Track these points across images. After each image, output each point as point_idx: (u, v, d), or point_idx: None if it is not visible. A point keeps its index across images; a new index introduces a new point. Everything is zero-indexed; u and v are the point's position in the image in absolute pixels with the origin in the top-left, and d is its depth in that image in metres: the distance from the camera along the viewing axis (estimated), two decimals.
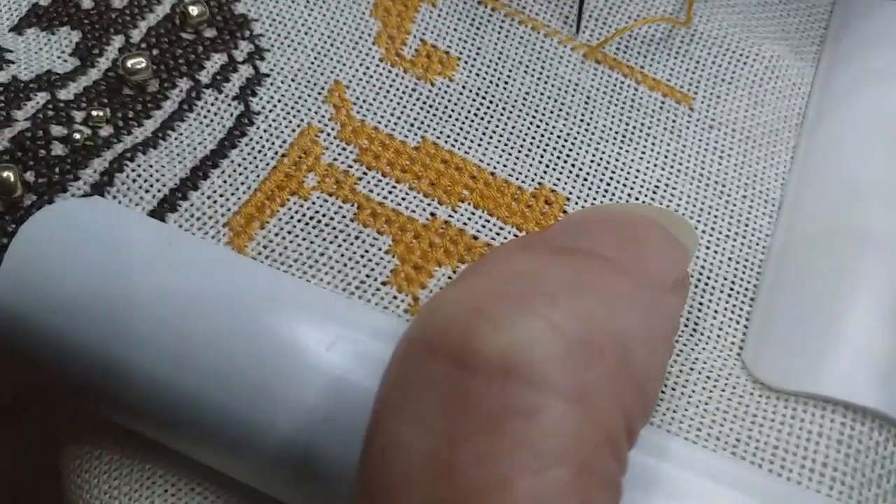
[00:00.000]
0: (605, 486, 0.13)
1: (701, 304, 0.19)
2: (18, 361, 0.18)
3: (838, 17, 0.23)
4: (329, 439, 0.16)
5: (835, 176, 0.20)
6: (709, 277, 0.19)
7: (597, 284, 0.14)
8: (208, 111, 0.20)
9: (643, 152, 0.20)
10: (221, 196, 0.19)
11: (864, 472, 0.17)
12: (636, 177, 0.20)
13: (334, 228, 0.19)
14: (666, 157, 0.21)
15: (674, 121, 0.21)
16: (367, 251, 0.18)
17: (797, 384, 0.18)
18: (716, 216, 0.20)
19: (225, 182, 0.19)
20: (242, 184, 0.19)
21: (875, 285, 0.19)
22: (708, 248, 0.20)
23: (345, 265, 0.18)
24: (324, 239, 0.18)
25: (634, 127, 0.21)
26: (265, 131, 0.19)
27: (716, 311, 0.19)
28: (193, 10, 0.20)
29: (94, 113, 0.19)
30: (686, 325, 0.19)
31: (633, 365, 0.14)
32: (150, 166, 0.19)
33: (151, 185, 0.18)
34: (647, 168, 0.20)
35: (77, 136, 0.19)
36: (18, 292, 0.17)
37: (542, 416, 0.12)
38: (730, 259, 0.20)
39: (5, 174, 0.17)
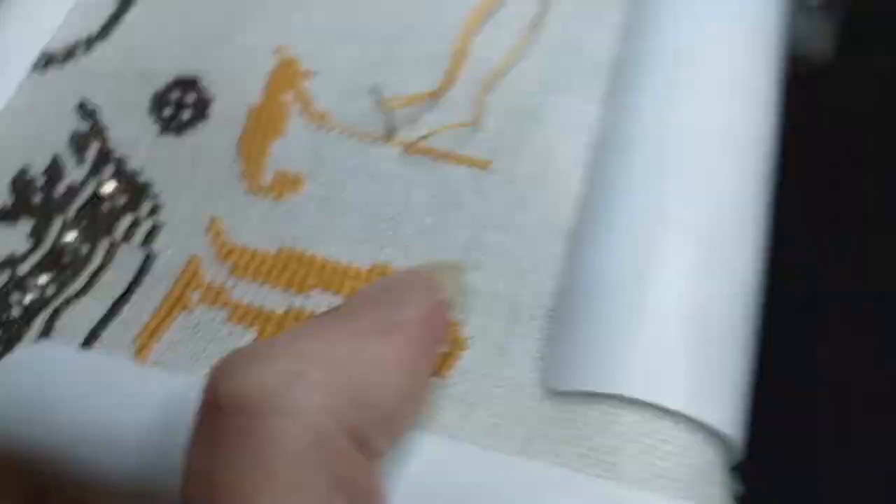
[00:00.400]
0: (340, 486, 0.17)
1: (508, 329, 0.23)
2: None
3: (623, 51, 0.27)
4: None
5: (628, 182, 0.24)
6: (513, 304, 0.24)
7: (329, 331, 0.19)
8: (122, 260, 0.26)
9: (456, 216, 0.25)
10: (130, 322, 0.25)
11: (626, 450, 0.21)
12: (449, 239, 0.25)
13: (210, 331, 0.24)
14: (474, 216, 0.25)
15: (478, 184, 0.26)
16: (236, 344, 0.24)
17: (592, 385, 0.22)
18: (518, 258, 0.24)
19: (133, 310, 0.25)
20: (145, 310, 0.25)
21: (673, 276, 0.22)
22: (509, 282, 0.24)
23: (219, 356, 0.24)
24: (202, 340, 0.24)
25: (447, 197, 0.26)
26: (162, 266, 0.26)
27: (522, 334, 0.23)
28: (109, 188, 0.27)
29: (41, 280, 0.26)
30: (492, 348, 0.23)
31: (367, 396, 0.18)
32: (80, 310, 0.25)
33: (81, 324, 0.25)
34: (460, 228, 0.25)
35: (27, 299, 0.25)
36: None
37: (277, 441, 0.17)
38: (531, 290, 0.24)
39: None
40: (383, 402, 0.19)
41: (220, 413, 0.17)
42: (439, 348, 0.21)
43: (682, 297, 0.22)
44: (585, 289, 0.23)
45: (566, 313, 0.23)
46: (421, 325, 0.20)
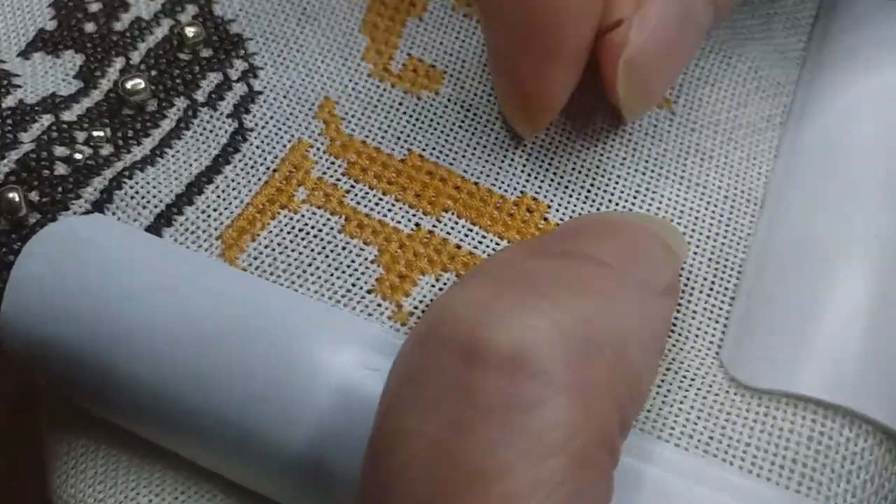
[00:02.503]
0: (599, 476, 0.14)
1: (680, 304, 0.20)
2: (28, 371, 0.19)
3: (824, 16, 0.24)
4: (338, 444, 0.17)
5: (819, 175, 0.21)
6: (688, 278, 0.20)
7: (595, 287, 0.15)
8: (204, 129, 0.21)
9: (624, 158, 0.21)
10: (215, 210, 0.20)
11: (834, 468, 0.17)
12: (616, 183, 0.21)
13: (322, 240, 0.19)
14: (647, 161, 0.21)
15: (655, 125, 0.21)
16: (353, 261, 0.19)
17: (771, 383, 0.18)
18: (696, 218, 0.21)
19: (219, 197, 0.20)
20: (235, 198, 0.20)
21: (852, 287, 0.19)
22: (689, 249, 0.20)
23: (331, 275, 0.19)
24: (312, 250, 0.19)
25: (616, 133, 0.21)
26: (258, 147, 0.20)
27: (695, 312, 0.19)
28: (190, 32, 0.21)
29: (96, 133, 0.20)
30: None
31: (629, 363, 0.15)
32: (148, 183, 0.20)
33: (148, 202, 0.19)
34: (628, 174, 0.21)
35: (79, 156, 0.20)
36: (25, 306, 0.18)
37: (545, 408, 0.13)
38: (710, 260, 0.20)
39: (10, 195, 0.18)
40: (643, 380, 0.15)
41: (478, 367, 0.13)
42: None
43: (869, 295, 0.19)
44: (772, 272, 0.20)
45: (752, 297, 0.20)
46: (670, 296, 0.16)
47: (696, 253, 0.20)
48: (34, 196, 0.19)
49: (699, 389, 0.18)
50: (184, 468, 0.19)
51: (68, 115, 0.20)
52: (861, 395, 0.18)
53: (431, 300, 0.19)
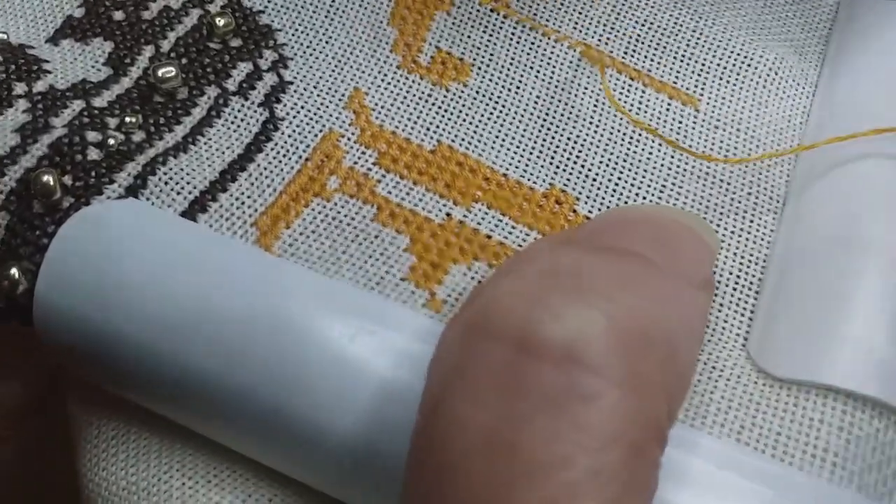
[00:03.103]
0: (651, 466, 0.14)
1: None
2: (59, 355, 0.19)
3: (843, 16, 0.24)
4: (379, 432, 0.17)
5: (839, 173, 0.21)
6: (714, 272, 0.20)
7: (641, 282, 0.15)
8: (235, 117, 0.21)
9: (650, 153, 0.21)
10: (249, 198, 0.20)
11: (864, 458, 0.18)
12: (643, 177, 0.21)
13: (355, 228, 0.19)
14: (672, 157, 0.21)
15: (680, 122, 0.22)
16: (385, 249, 0.19)
17: (800, 373, 0.19)
18: (721, 213, 0.21)
19: (252, 184, 0.20)
20: (269, 186, 0.20)
21: (878, 280, 0.19)
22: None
23: (365, 262, 0.19)
24: (346, 238, 0.19)
25: (643, 129, 0.22)
26: (289, 136, 0.20)
27: (721, 305, 0.20)
28: (220, 21, 0.21)
29: (127, 119, 0.20)
30: None
31: (677, 356, 0.15)
32: (182, 169, 0.20)
33: (182, 188, 0.19)
34: (654, 168, 0.21)
35: (111, 141, 0.20)
36: (59, 289, 0.18)
37: (601, 400, 0.13)
38: (734, 255, 0.20)
39: (45, 178, 0.18)
40: (689, 372, 0.16)
41: (533, 360, 0.13)
42: None
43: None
44: (797, 264, 0.20)
45: (777, 289, 0.20)
46: (707, 290, 0.16)
47: (720, 247, 0.20)
48: (68, 180, 0.19)
49: (728, 380, 0.19)
50: (216, 452, 0.18)
51: (99, 102, 0.20)
52: (889, 386, 0.18)
53: (464, 289, 0.19)
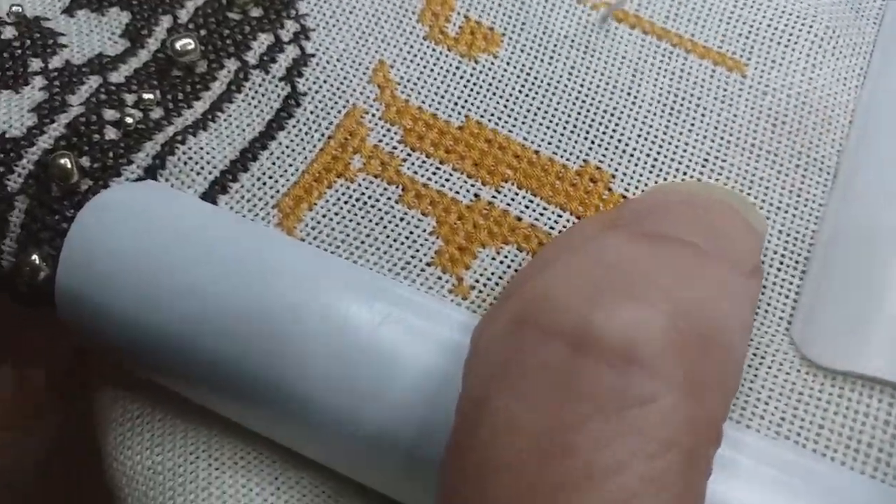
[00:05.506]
0: (705, 471, 0.14)
1: None
2: (82, 339, 0.19)
3: None
4: (418, 423, 0.16)
5: None
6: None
7: (696, 274, 0.14)
8: (256, 92, 0.20)
9: (692, 125, 0.20)
10: (270, 178, 0.19)
11: None
12: (685, 151, 0.20)
13: (380, 210, 0.19)
14: (716, 128, 0.20)
15: (725, 90, 0.21)
16: (411, 232, 0.19)
17: (846, 364, 0.18)
18: (767, 188, 0.20)
19: (273, 164, 0.19)
20: (290, 165, 0.19)
21: None
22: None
23: (390, 246, 0.18)
24: (370, 220, 0.19)
25: (683, 98, 0.20)
26: (312, 113, 0.20)
27: (764, 286, 0.19)
28: None
29: (145, 96, 0.19)
30: None
31: (733, 352, 0.14)
32: (201, 148, 0.19)
33: (202, 168, 0.19)
34: (696, 141, 0.20)
35: (129, 119, 0.19)
36: (80, 274, 0.18)
37: (658, 404, 0.13)
38: (780, 232, 0.19)
39: (62, 161, 0.18)
40: (742, 372, 0.15)
41: (589, 360, 0.13)
42: None
43: None
44: (844, 246, 0.19)
45: (824, 271, 0.19)
46: (756, 277, 0.15)
47: (766, 226, 0.19)
48: (85, 162, 0.18)
49: (769, 368, 0.18)
50: (242, 434, 0.18)
51: (116, 77, 0.20)
52: None
53: (493, 274, 0.18)
